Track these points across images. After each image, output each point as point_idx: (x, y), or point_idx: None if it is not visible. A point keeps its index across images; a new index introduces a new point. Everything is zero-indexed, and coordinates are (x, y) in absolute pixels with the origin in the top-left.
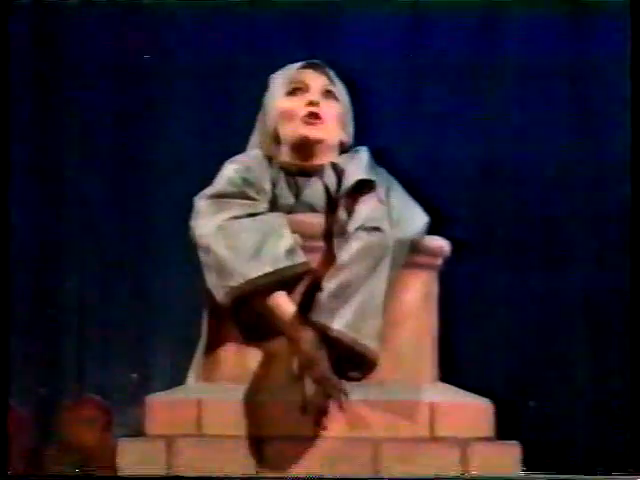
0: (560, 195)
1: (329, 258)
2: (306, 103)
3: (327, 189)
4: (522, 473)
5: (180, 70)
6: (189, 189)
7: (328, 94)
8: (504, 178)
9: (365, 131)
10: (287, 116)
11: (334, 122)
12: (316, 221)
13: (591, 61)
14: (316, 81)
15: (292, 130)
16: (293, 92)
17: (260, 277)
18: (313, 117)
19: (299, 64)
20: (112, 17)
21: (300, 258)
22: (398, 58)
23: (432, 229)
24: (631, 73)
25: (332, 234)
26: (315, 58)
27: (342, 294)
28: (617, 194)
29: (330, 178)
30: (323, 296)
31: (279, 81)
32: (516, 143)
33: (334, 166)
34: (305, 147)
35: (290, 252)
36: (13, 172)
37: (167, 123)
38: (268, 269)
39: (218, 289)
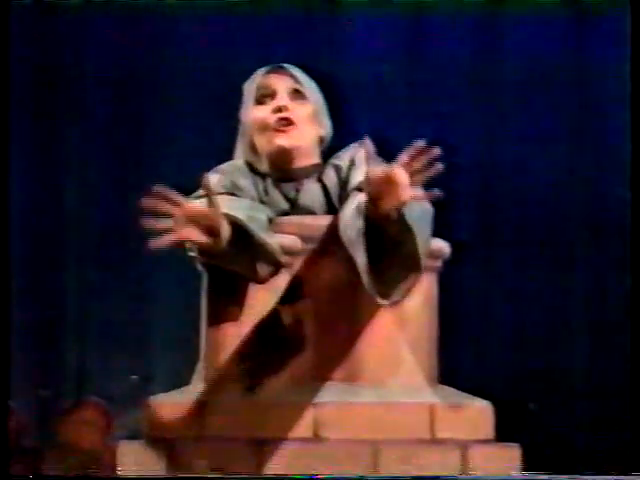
0: (561, 197)
1: (329, 260)
2: (274, 110)
3: (325, 191)
4: (522, 474)
5: (180, 70)
6: (191, 189)
7: (296, 95)
8: (504, 180)
9: (365, 131)
10: (259, 127)
11: (306, 123)
12: (315, 223)
13: (591, 62)
14: (282, 84)
15: (267, 141)
16: (261, 100)
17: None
18: (284, 123)
19: (264, 70)
20: (112, 17)
21: (273, 238)
22: (399, 59)
23: (433, 231)
24: (631, 73)
25: (333, 235)
26: (315, 60)
27: None
28: (618, 196)
29: (330, 179)
30: None
31: (248, 90)
32: (516, 145)
33: (335, 167)
34: (282, 156)
35: (259, 224)
36: (13, 173)
37: (167, 122)
38: (233, 213)
39: (197, 260)
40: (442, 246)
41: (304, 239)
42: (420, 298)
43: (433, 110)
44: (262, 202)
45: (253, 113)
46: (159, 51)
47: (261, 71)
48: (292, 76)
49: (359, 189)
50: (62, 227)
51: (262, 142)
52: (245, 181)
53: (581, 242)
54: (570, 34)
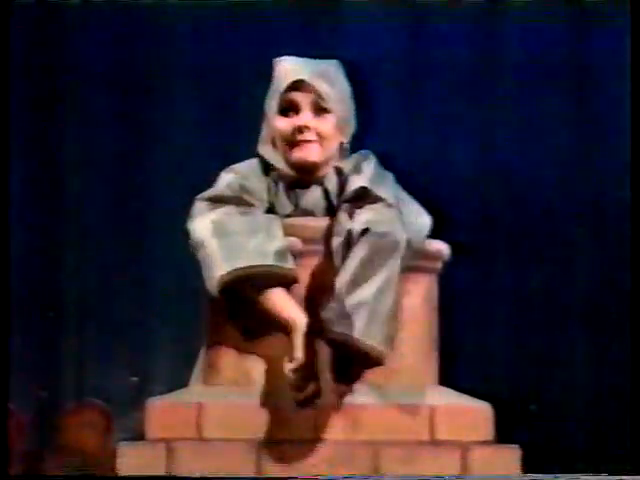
0: (561, 198)
1: (329, 262)
2: (295, 129)
3: (327, 194)
4: (522, 475)
5: (181, 71)
6: (190, 191)
7: (319, 109)
8: (504, 181)
9: (365, 134)
10: (281, 137)
11: (328, 137)
12: (315, 225)
13: (591, 62)
14: (305, 100)
15: (286, 152)
16: (285, 112)
17: (245, 268)
18: (303, 140)
19: (287, 83)
20: (112, 17)
21: (289, 264)
22: (398, 60)
23: (432, 232)
24: (631, 74)
25: (332, 237)
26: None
27: (355, 303)
28: (617, 195)
29: (332, 182)
30: (335, 305)
31: (273, 93)
32: (516, 146)
33: (338, 171)
34: (301, 168)
35: (279, 254)
36: (13, 172)
37: (168, 123)
38: (254, 262)
39: (208, 280)
40: (442, 247)
41: (305, 241)
42: (420, 299)
43: (432, 111)
44: (271, 203)
45: (276, 122)
46: (159, 51)
47: (286, 78)
48: (315, 92)
49: (349, 200)
50: (61, 228)
51: (284, 149)
52: (257, 183)
53: (581, 243)
54: (570, 34)
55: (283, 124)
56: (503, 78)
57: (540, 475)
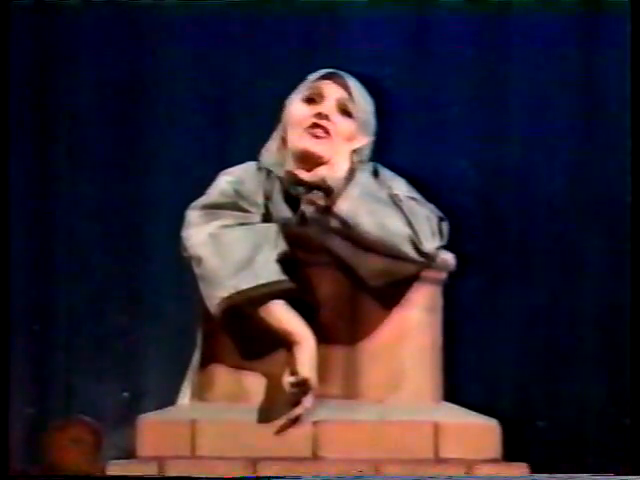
0: (568, 208)
1: (330, 271)
2: (315, 114)
3: None
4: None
5: (179, 73)
6: (183, 200)
7: (342, 109)
8: (511, 191)
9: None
10: (295, 123)
11: (343, 139)
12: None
13: (591, 62)
14: (333, 92)
15: (297, 139)
16: (308, 100)
17: (252, 289)
18: (318, 129)
19: (321, 72)
20: (112, 18)
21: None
22: (401, 64)
23: None
24: (631, 74)
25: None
26: (316, 65)
27: None
28: (625, 202)
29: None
30: None
31: (301, 86)
32: (522, 155)
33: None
34: (307, 159)
35: (285, 267)
36: (11, 174)
37: (166, 126)
38: (261, 281)
39: (210, 299)
40: (447, 258)
41: (307, 250)
42: (424, 310)
43: (436, 117)
44: (267, 209)
45: (296, 107)
46: (158, 52)
47: (319, 72)
48: (346, 88)
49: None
50: (49, 237)
51: (293, 137)
52: (253, 188)
53: (590, 255)
54: (571, 36)
55: (301, 110)
56: (507, 82)
57: (541, 475)
